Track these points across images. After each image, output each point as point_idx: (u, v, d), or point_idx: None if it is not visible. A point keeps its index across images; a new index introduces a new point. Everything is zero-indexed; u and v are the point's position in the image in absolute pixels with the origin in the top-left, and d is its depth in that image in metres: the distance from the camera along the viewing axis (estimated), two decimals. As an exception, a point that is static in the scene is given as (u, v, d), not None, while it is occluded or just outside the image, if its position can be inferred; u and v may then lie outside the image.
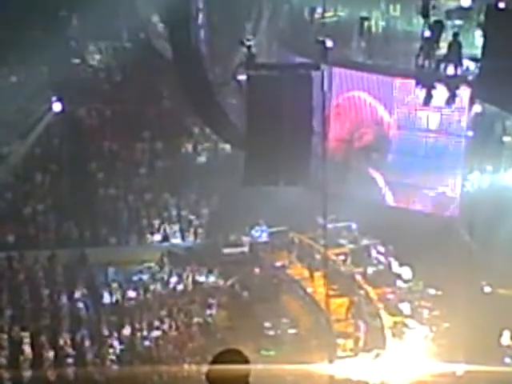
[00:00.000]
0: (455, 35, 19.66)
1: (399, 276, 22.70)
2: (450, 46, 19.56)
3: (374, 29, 23.30)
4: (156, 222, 26.41)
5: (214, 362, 4.72)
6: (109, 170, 27.71)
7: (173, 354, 21.44)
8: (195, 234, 26.35)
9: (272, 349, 21.41)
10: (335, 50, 20.50)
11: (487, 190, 22.11)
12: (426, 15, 19.28)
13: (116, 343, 21.65)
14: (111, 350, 21.27)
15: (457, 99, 20.24)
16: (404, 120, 22.94)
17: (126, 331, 22.06)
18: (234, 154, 26.37)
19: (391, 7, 23.41)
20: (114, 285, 23.94)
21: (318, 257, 23.48)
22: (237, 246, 25.29)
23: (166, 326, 22.32)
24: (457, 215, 22.57)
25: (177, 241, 26.26)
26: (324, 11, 22.55)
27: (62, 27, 29.75)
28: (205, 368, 4.74)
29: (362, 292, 22.47)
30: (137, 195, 27.13)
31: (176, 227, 26.36)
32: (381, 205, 23.39)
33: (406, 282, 22.49)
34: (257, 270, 24.38)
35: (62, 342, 21.38)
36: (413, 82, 20.55)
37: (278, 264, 24.67)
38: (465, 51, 19.63)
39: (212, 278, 24.34)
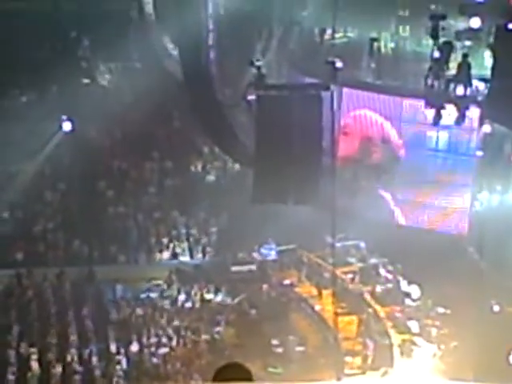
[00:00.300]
0: (465, 56, 19.73)
1: (408, 294, 22.74)
2: (459, 66, 19.60)
3: (383, 49, 23.39)
4: (165, 240, 26.51)
5: (216, 376, 4.69)
6: (118, 188, 27.88)
7: (180, 370, 21.45)
8: (204, 251, 26.44)
9: (280, 366, 21.42)
10: (345, 71, 20.60)
11: (496, 209, 22.15)
12: (435, 36, 19.36)
13: (124, 360, 21.64)
14: (118, 367, 21.25)
15: (466, 119, 20.27)
16: (413, 140, 23.03)
17: (134, 348, 22.08)
18: (243, 172, 26.49)
19: (401, 28, 23.52)
20: (122, 302, 23.99)
21: (326, 275, 23.52)
22: (245, 264, 25.35)
23: (173, 343, 22.37)
24: (466, 234, 22.59)
25: (185, 259, 26.35)
26: (334, 32, 22.65)
27: (72, 48, 30.06)
28: None
29: (370, 310, 22.50)
30: (146, 213, 27.29)
31: (185, 245, 26.47)
32: (389, 223, 23.40)
33: (414, 300, 22.53)
34: (265, 288, 24.41)
35: (69, 358, 21.38)
36: (422, 102, 20.62)
37: (287, 282, 24.73)
38: (474, 72, 19.68)
39: (220, 296, 24.39)
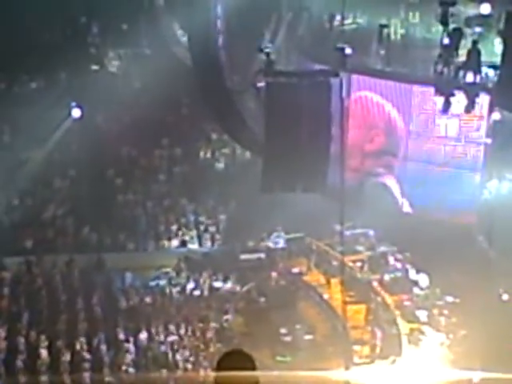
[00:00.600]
0: (474, 42, 19.60)
1: (416, 283, 22.65)
2: (469, 53, 19.48)
3: (392, 36, 23.25)
4: (174, 228, 26.48)
5: (220, 364, 4.70)
6: (127, 175, 27.84)
7: (189, 359, 21.45)
8: (212, 239, 26.40)
9: (288, 355, 21.42)
10: (354, 57, 20.51)
11: (506, 197, 21.99)
12: (445, 23, 19.20)
13: (132, 348, 21.66)
14: (127, 355, 21.26)
15: (476, 106, 20.15)
16: (422, 127, 22.88)
17: (143, 336, 22.07)
18: (252, 160, 26.43)
19: (410, 14, 23.34)
20: (131, 290, 24.01)
21: (335, 263, 23.49)
22: (254, 252, 25.29)
23: (182, 332, 22.32)
24: (475, 222, 22.48)
25: (194, 246, 26.31)
26: (343, 18, 22.46)
27: (82, 34, 30.00)
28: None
29: (378, 299, 22.42)
30: (155, 201, 27.24)
31: (193, 233, 26.44)
32: (398, 212, 23.32)
33: (422, 289, 22.45)
34: (274, 276, 24.37)
35: (78, 346, 21.39)
36: (431, 89, 20.49)
37: (295, 270, 24.67)
38: (484, 58, 19.54)
39: (229, 284, 24.35)
